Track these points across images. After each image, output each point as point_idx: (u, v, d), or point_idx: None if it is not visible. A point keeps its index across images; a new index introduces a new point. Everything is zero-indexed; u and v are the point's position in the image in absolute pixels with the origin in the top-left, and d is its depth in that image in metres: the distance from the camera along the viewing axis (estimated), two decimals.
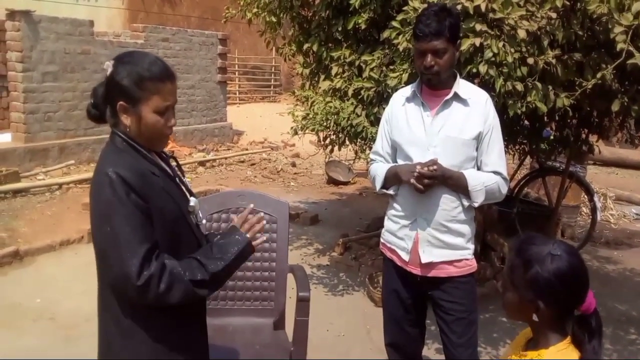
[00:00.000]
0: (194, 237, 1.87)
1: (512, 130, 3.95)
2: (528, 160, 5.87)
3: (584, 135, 4.35)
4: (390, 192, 2.58)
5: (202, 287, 1.72)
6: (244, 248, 1.82)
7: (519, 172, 6.00)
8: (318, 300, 4.24)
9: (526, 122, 4.21)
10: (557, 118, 3.90)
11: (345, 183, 8.62)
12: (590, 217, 6.00)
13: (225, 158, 9.73)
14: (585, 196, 6.27)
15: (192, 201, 1.89)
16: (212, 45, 11.08)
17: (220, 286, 1.87)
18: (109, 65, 1.74)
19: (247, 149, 10.84)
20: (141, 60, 1.73)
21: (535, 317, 1.54)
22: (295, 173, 9.28)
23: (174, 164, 1.95)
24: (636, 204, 8.23)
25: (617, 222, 7.43)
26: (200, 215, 1.95)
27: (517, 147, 4.56)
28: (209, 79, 10.99)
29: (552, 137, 4.34)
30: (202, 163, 9.20)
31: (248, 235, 1.85)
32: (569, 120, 4.16)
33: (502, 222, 5.47)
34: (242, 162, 9.75)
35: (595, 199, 5.74)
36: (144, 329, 1.73)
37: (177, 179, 1.90)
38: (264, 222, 1.90)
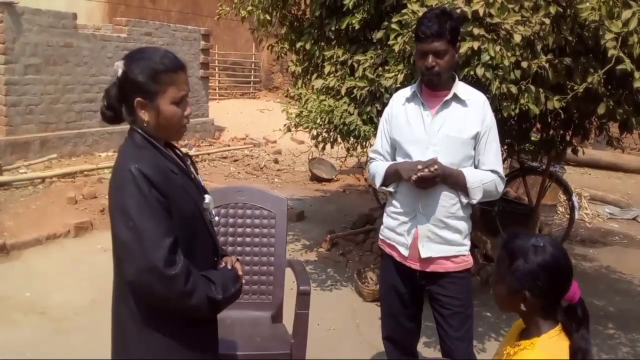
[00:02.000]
0: (209, 233, 1.92)
1: (501, 131, 4.07)
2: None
3: (568, 137, 4.49)
4: (390, 189, 2.65)
5: (213, 306, 1.78)
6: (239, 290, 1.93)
7: None
8: None
9: (512, 122, 4.33)
10: (549, 120, 4.02)
11: (329, 180, 8.68)
12: (568, 215, 6.17)
13: (208, 154, 9.71)
14: (563, 195, 6.44)
15: (207, 198, 1.93)
16: (195, 40, 11.04)
17: (215, 314, 1.92)
18: (119, 66, 1.76)
19: (229, 145, 10.82)
20: (153, 54, 1.76)
21: (523, 307, 1.64)
22: (278, 170, 9.31)
23: (188, 162, 1.99)
24: (609, 203, 8.49)
25: (591, 221, 7.65)
26: (213, 212, 2.00)
27: (504, 148, 4.68)
28: (191, 75, 10.93)
29: (536, 139, 4.47)
30: None
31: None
32: (553, 123, 4.29)
33: (484, 220, 5.61)
34: (225, 158, 9.74)
35: (574, 198, 5.92)
36: (160, 324, 1.76)
37: (192, 175, 1.95)
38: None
